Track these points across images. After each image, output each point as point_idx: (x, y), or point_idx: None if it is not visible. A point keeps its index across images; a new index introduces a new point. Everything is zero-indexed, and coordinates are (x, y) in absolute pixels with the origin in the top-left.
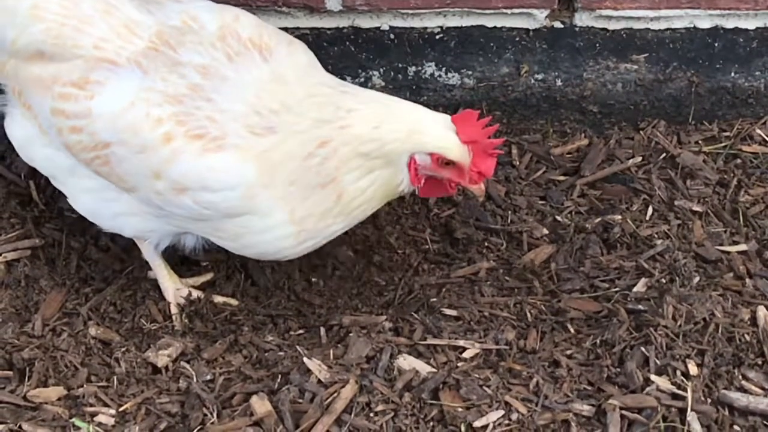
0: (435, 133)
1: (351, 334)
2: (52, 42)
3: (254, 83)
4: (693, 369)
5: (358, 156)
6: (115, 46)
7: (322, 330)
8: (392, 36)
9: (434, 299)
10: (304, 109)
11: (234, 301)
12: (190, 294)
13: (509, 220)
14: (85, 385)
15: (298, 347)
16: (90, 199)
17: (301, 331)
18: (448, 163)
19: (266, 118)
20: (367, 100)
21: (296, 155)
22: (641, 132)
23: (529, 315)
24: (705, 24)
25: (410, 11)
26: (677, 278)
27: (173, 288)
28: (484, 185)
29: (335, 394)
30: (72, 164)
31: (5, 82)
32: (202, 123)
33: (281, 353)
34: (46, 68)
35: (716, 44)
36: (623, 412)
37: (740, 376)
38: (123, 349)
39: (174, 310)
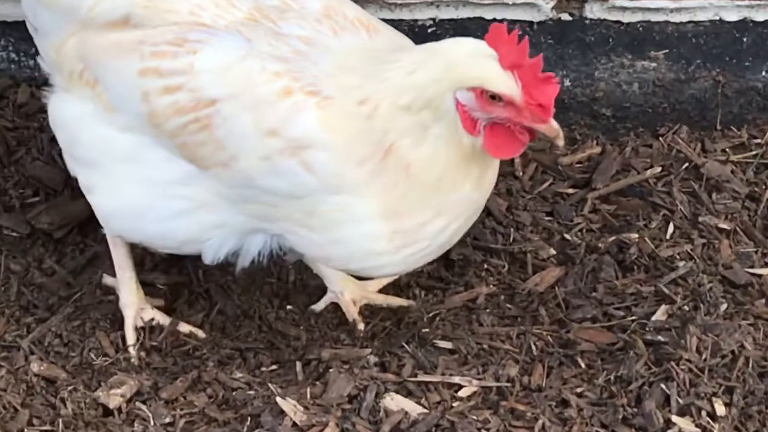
0: (469, 62)
1: (331, 370)
2: (144, 4)
3: (355, 52)
4: (720, 409)
5: (399, 111)
6: (212, 14)
7: (298, 365)
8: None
9: (426, 329)
10: (360, 65)
11: (201, 333)
12: (152, 319)
13: (511, 239)
14: (26, 429)
15: (270, 385)
16: (143, 193)
17: (273, 367)
18: (495, 98)
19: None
20: (415, 50)
21: (355, 116)
22: (661, 139)
23: (533, 347)
24: (732, 16)
25: (399, 2)
26: (702, 305)
27: (136, 306)
28: (556, 123)
29: None
30: (130, 148)
31: (58, 66)
32: (312, 81)
33: (251, 392)
34: (127, 34)
35: (745, 39)
36: None
37: None
38: (70, 388)
39: (131, 336)
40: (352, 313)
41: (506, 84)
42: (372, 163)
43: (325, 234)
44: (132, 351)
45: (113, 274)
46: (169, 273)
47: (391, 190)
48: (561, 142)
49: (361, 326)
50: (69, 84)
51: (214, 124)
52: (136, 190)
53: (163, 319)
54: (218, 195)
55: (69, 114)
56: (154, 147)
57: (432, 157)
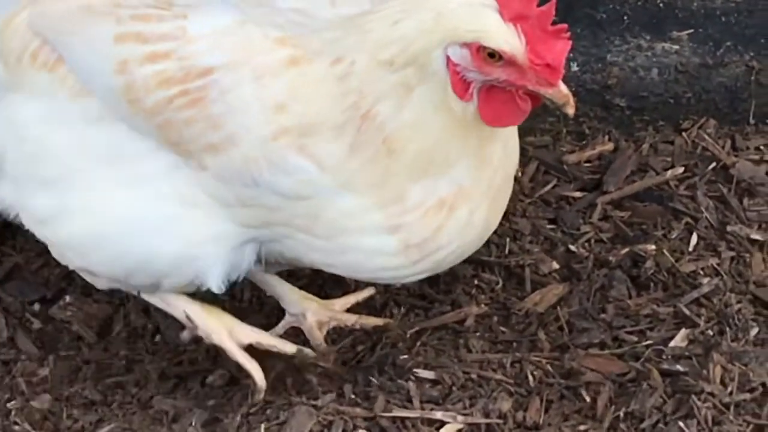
0: (463, 12)
1: (291, 403)
2: None
3: (347, 18)
4: None
5: (379, 68)
6: None
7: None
8: None
9: (405, 356)
10: (336, 25)
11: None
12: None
13: (507, 250)
14: None
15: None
16: (131, 198)
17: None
18: (494, 56)
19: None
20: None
21: (325, 80)
22: (684, 134)
23: (530, 378)
24: None
25: None
26: (729, 329)
27: (222, 327)
28: (565, 87)
29: None
30: (107, 143)
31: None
32: (314, 49)
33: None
34: None
35: None
36: None
37: None
38: None
39: (249, 365)
40: (316, 339)
41: (507, 39)
42: (349, 135)
43: (332, 241)
44: (260, 383)
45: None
46: (100, 291)
47: (373, 169)
48: (572, 110)
49: (330, 356)
50: (16, 73)
51: (208, 97)
52: (124, 197)
53: (261, 337)
54: (207, 194)
55: (24, 119)
56: (134, 136)
57: (415, 125)
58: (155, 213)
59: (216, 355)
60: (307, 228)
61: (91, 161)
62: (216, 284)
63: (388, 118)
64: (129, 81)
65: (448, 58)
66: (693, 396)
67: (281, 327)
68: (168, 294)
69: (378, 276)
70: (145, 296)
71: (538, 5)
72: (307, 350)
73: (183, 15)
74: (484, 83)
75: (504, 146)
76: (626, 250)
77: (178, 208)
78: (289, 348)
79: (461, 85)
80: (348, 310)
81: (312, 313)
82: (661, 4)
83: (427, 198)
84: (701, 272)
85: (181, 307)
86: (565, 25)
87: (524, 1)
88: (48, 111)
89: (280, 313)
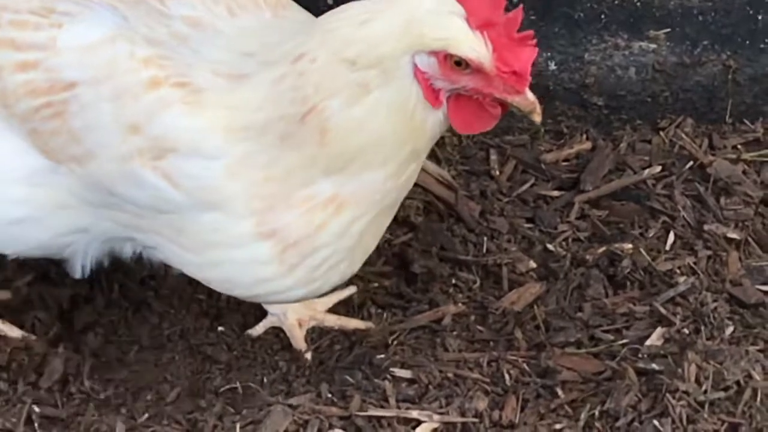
0: (430, 20)
1: (266, 403)
2: None
3: (246, 31)
4: None
5: (341, 65)
6: None
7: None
8: (331, 3)
9: (381, 355)
10: (286, 35)
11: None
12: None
13: (485, 249)
14: None
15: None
16: (8, 195)
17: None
18: (461, 64)
19: (239, 64)
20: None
21: (267, 86)
22: (661, 133)
23: (507, 376)
24: None
25: None
26: (704, 328)
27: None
28: (532, 95)
29: None
30: None
31: None
32: (183, 71)
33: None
34: None
35: (760, 17)
36: None
37: None
38: None
39: None
40: (298, 339)
41: (474, 47)
42: (287, 124)
43: (201, 255)
44: (11, 334)
45: None
46: (64, 282)
47: (297, 157)
48: (538, 118)
49: (308, 356)
50: None
51: (69, 111)
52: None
53: (10, 330)
54: (77, 197)
55: None
56: (5, 134)
57: (361, 123)
58: (25, 210)
59: (194, 357)
60: (175, 240)
61: None
62: (80, 272)
63: (334, 113)
64: (2, 87)
65: (416, 66)
66: (668, 394)
67: (261, 326)
68: None
69: (256, 292)
70: None
71: (505, 12)
72: (30, 335)
73: (59, 24)
74: (453, 91)
75: (414, 169)
76: (603, 248)
77: (28, 212)
78: (15, 333)
79: (432, 93)
80: (329, 310)
81: (293, 312)
82: (638, 3)
83: (323, 192)
84: (678, 271)
85: None
86: (532, 32)
87: (491, 8)
88: None
89: (257, 312)
